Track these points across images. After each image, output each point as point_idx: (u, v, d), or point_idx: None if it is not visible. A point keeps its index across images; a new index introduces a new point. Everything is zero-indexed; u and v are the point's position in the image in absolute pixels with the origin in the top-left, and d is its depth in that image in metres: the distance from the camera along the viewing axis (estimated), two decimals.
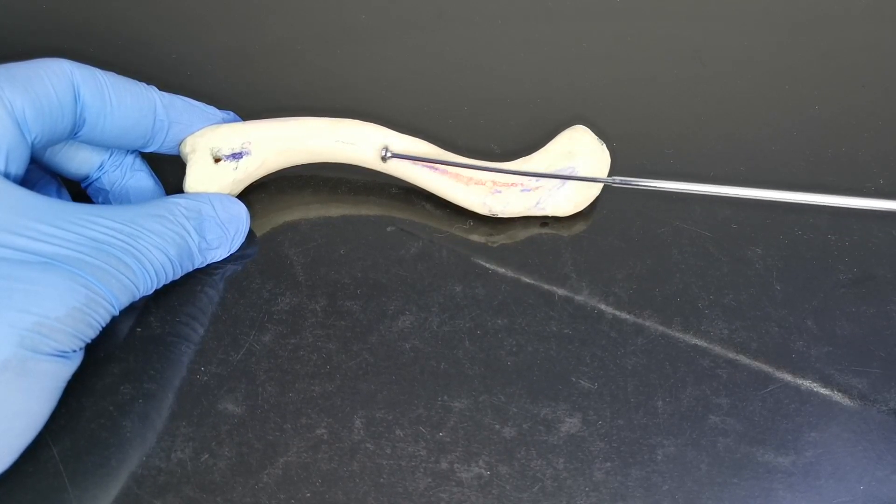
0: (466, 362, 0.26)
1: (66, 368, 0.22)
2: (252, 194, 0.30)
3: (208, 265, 0.28)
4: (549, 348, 0.27)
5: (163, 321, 0.27)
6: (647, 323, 0.27)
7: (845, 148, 0.33)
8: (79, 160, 0.28)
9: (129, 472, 0.23)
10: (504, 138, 0.33)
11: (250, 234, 0.29)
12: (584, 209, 0.30)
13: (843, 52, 0.38)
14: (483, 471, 0.24)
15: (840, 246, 0.30)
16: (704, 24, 0.39)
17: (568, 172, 0.29)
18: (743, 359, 0.27)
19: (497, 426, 0.25)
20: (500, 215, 0.29)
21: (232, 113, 0.30)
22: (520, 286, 0.28)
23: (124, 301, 0.23)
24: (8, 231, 0.21)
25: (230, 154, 0.28)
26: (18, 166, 0.23)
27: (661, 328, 0.27)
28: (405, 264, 0.29)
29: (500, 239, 0.30)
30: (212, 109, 0.29)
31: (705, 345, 0.27)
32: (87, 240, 0.22)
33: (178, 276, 0.26)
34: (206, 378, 0.25)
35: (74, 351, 0.22)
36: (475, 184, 0.29)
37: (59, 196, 0.27)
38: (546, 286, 0.28)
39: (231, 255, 0.28)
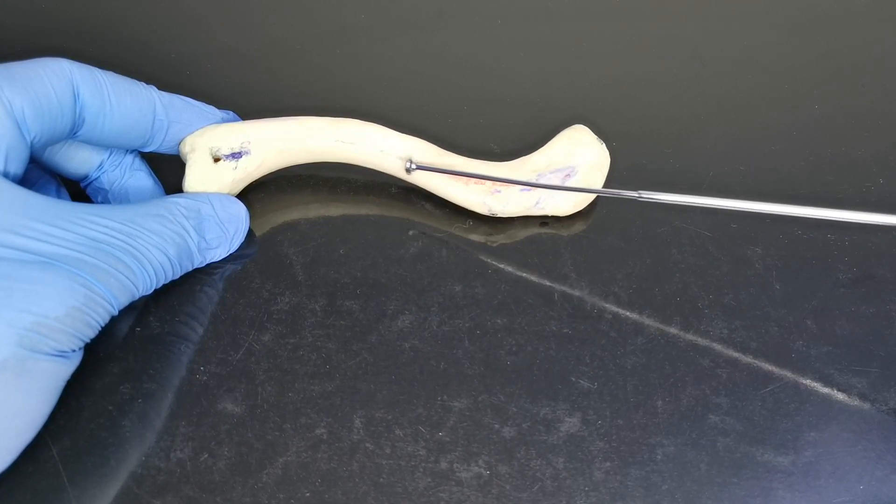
0: (466, 362, 0.26)
1: (66, 368, 0.22)
2: (251, 194, 0.30)
3: (208, 265, 0.27)
4: (549, 348, 0.27)
5: (162, 321, 0.27)
6: (647, 322, 0.27)
7: (845, 148, 0.33)
8: (78, 160, 0.27)
9: (128, 472, 0.23)
10: (504, 138, 0.33)
11: (250, 233, 0.29)
12: (584, 209, 0.30)
13: (843, 52, 0.38)
14: (483, 470, 0.24)
15: (840, 246, 0.30)
16: (704, 24, 0.39)
17: (568, 172, 0.29)
18: (742, 358, 0.26)
19: (497, 426, 0.25)
20: (499, 215, 0.29)
21: (231, 112, 0.30)
22: (519, 286, 0.28)
23: (123, 301, 0.23)
24: (7, 230, 0.21)
25: (230, 154, 0.28)
26: (18, 166, 0.23)
27: (660, 328, 0.27)
28: (405, 264, 0.29)
29: (500, 238, 0.30)
30: (211, 109, 0.29)
31: (705, 344, 0.27)
32: (86, 239, 0.22)
33: (177, 276, 0.26)
34: (205, 378, 0.25)
35: (74, 351, 0.22)
36: (475, 183, 0.29)
37: (59, 195, 0.27)
38: (546, 286, 0.28)
39: (230, 254, 0.28)
